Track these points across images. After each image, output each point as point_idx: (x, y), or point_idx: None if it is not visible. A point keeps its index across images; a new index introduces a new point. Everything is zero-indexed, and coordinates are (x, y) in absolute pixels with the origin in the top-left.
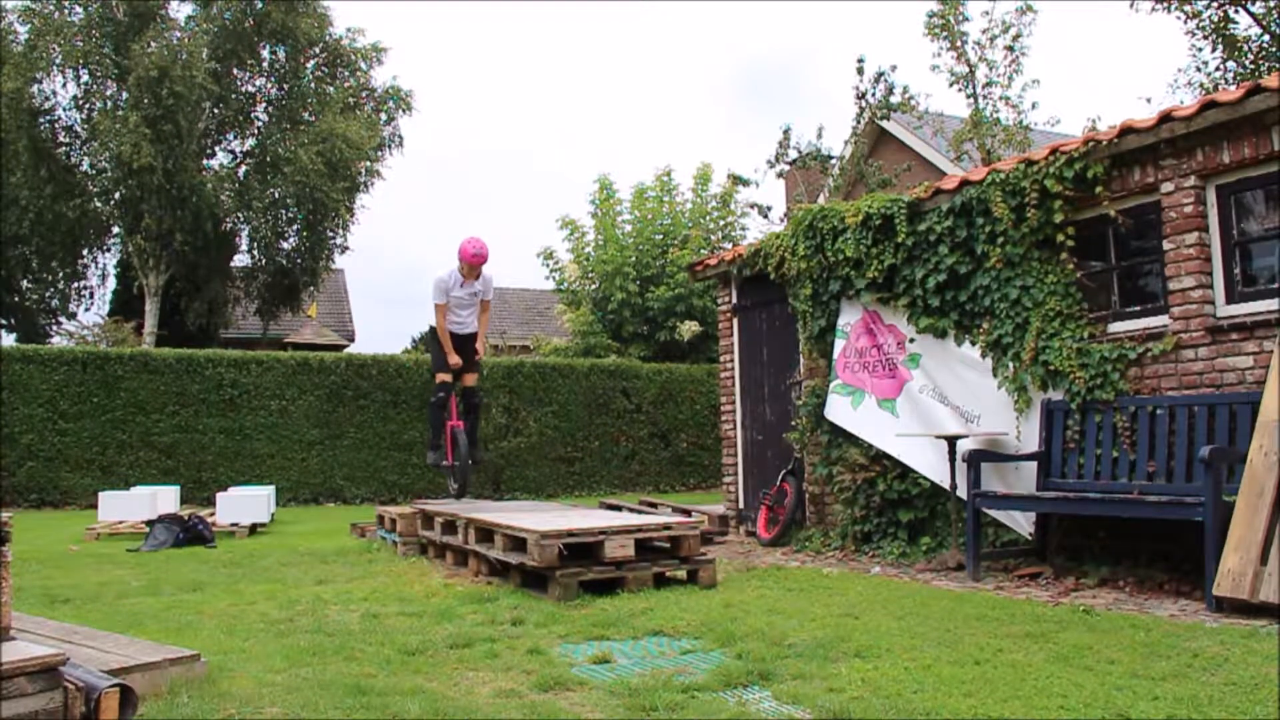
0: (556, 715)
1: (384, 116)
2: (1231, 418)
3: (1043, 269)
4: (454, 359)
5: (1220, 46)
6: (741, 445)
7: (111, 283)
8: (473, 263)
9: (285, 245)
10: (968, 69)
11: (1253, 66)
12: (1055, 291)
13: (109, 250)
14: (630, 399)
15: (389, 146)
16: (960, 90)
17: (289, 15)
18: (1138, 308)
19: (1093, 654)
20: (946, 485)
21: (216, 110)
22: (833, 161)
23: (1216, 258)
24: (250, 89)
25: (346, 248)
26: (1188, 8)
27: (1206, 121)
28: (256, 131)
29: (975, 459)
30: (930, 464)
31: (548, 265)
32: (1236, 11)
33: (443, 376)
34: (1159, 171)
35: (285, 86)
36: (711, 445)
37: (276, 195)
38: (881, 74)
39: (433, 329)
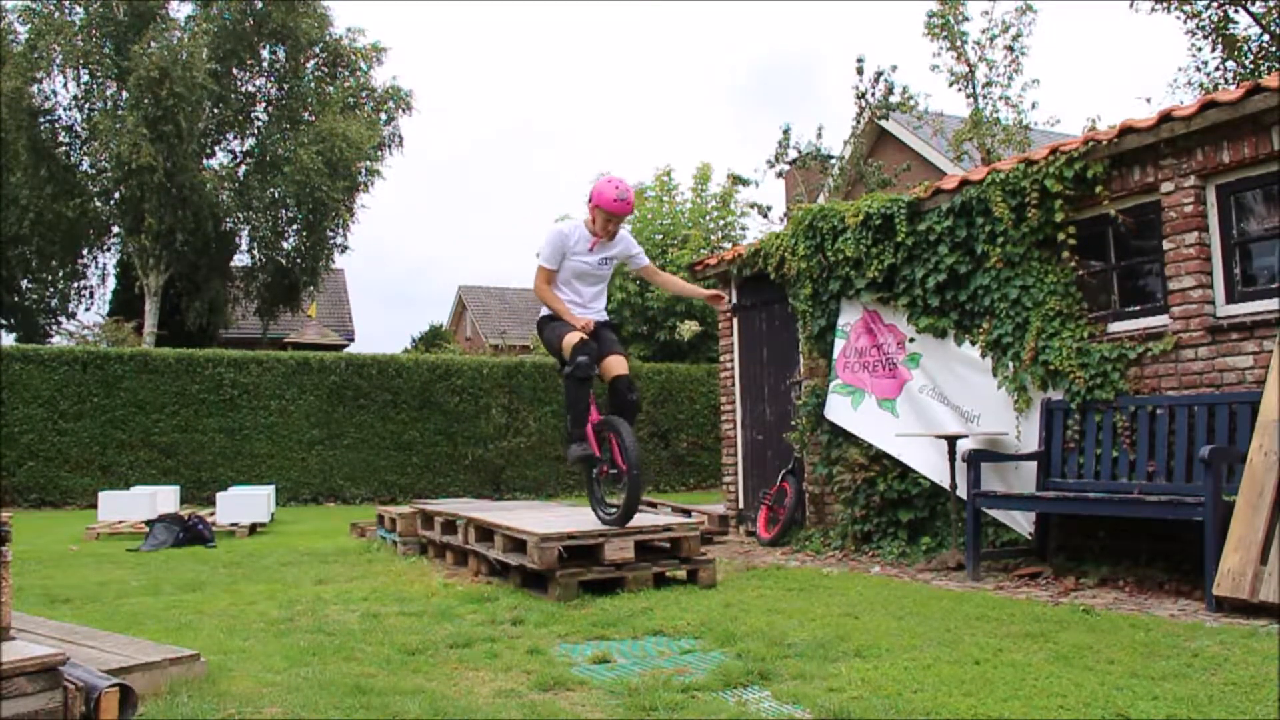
0: (556, 715)
1: (384, 116)
2: (1231, 417)
3: (1043, 269)
4: (582, 320)
5: (1220, 46)
6: (741, 445)
7: (111, 283)
8: (615, 211)
9: (285, 245)
10: (968, 69)
11: (1253, 66)
12: (1055, 291)
13: (109, 250)
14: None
15: (389, 146)
16: (960, 90)
17: (289, 15)
18: (1138, 307)
19: (1093, 654)
20: (946, 485)
21: (216, 110)
22: (832, 161)
23: (1216, 257)
24: (250, 89)
25: (346, 247)
26: (1188, 8)
27: (1206, 121)
28: (256, 131)
29: (975, 459)
30: (930, 464)
31: None
32: (1236, 11)
33: (572, 339)
34: (1159, 171)
35: (285, 86)
36: (711, 445)
37: (276, 195)
38: (881, 74)
39: (543, 318)
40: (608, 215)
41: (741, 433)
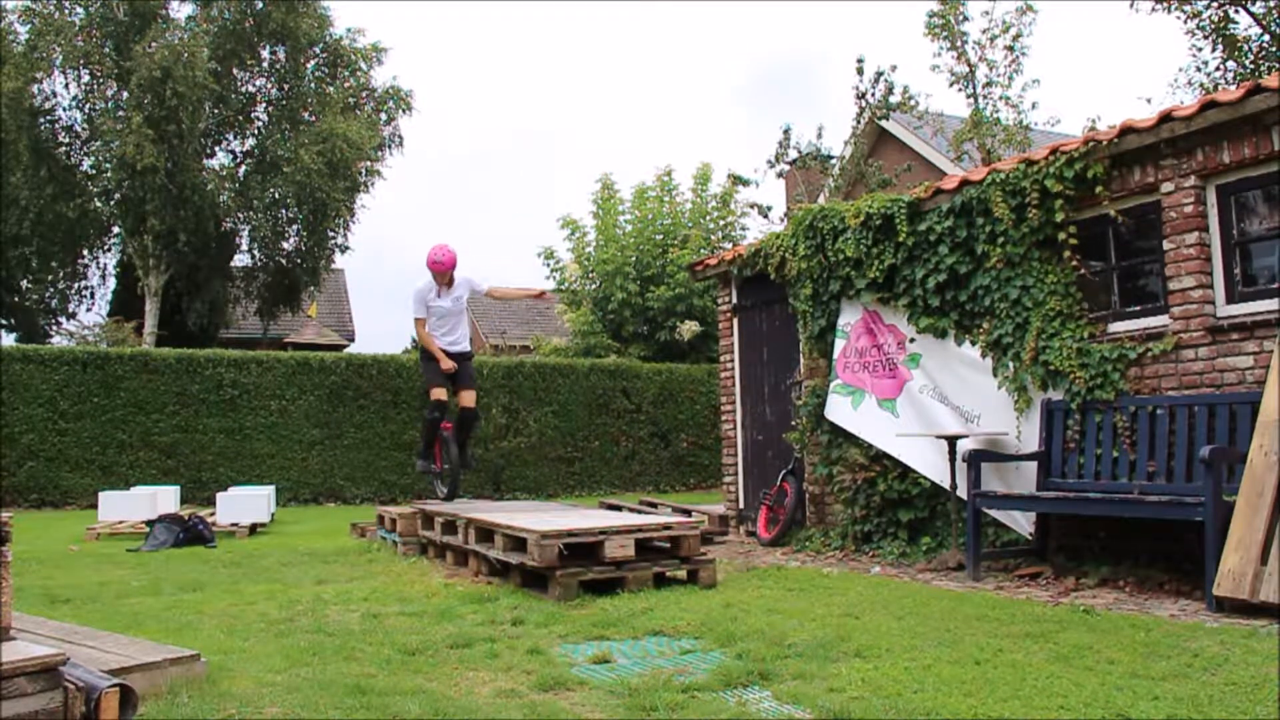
0: (556, 715)
1: (384, 116)
2: (1231, 418)
3: (1043, 269)
4: (447, 363)
5: (1220, 46)
6: (741, 445)
7: (111, 283)
8: (436, 270)
9: (285, 245)
10: (968, 69)
11: (1253, 66)
12: (1055, 291)
13: (109, 250)
14: (630, 399)
15: (389, 146)
16: (960, 90)
17: (289, 15)
18: (1138, 308)
19: (1093, 654)
20: (947, 485)
21: (217, 110)
22: (833, 161)
23: (1216, 258)
24: (250, 89)
25: (347, 247)
26: (1188, 8)
27: (1206, 121)
28: (257, 131)
29: (975, 459)
30: (930, 464)
31: (548, 265)
32: (1236, 11)
33: (437, 394)
34: (1159, 171)
35: (285, 86)
36: (711, 445)
37: (277, 195)
38: (881, 74)
39: (420, 356)
40: (434, 272)
41: (741, 433)
